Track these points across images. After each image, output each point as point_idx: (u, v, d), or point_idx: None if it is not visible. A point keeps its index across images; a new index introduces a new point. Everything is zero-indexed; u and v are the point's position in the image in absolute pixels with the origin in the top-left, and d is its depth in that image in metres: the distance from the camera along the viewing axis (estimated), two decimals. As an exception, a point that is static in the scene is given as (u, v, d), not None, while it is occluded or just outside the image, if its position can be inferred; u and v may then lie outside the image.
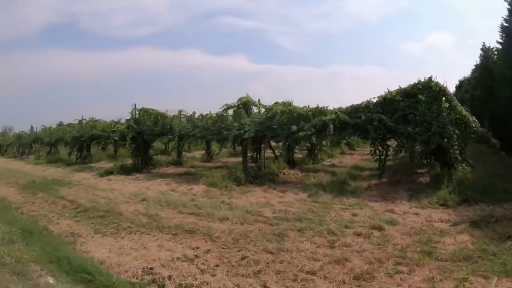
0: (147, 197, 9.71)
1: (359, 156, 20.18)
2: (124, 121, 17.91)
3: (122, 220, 7.49)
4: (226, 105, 13.85)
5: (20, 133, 36.72)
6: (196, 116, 17.21)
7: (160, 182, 12.50)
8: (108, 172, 15.17)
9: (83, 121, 22.50)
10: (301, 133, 10.97)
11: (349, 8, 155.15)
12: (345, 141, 20.33)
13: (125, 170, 15.50)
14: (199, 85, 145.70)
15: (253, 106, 14.36)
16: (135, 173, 15.14)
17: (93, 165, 19.57)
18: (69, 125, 26.71)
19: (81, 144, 21.39)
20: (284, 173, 12.94)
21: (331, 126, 10.61)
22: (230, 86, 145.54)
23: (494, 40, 14.21)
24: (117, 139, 17.48)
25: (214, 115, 14.08)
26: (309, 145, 16.42)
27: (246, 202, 8.83)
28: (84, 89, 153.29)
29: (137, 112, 16.77)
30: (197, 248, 5.58)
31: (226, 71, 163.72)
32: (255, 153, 14.51)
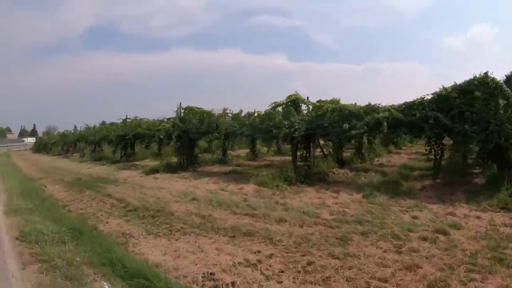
0: (197, 196, 9.33)
1: (406, 155, 19.65)
2: (166, 120, 17.71)
3: (174, 221, 7.15)
4: (274, 103, 13.01)
5: (65, 132, 37.51)
6: (242, 114, 16.73)
7: (208, 180, 12.13)
8: (154, 170, 14.95)
9: (127, 120, 22.34)
10: (353, 132, 10.60)
11: (385, 2, 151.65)
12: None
13: (170, 169, 15.25)
14: (239, 84, 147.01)
15: (302, 104, 13.42)
16: (181, 172, 14.89)
17: (137, 163, 19.43)
18: (112, 124, 26.82)
19: (125, 142, 21.38)
20: (333, 173, 12.35)
21: (385, 124, 10.15)
22: (270, 85, 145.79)
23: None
24: (162, 137, 17.16)
25: (262, 113, 13.47)
26: (357, 143, 15.83)
27: (301, 202, 8.40)
28: (125, 89, 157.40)
29: (182, 111, 16.48)
30: (259, 252, 5.23)
31: (266, 70, 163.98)
32: (305, 152, 14.06)
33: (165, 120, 18.26)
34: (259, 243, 5.63)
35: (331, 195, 9.19)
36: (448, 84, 9.88)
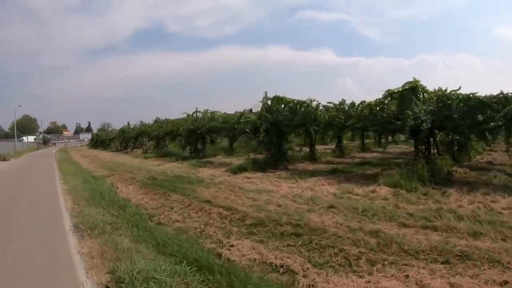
0: (323, 202, 7.41)
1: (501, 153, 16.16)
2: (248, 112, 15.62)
3: (337, 242, 4.97)
4: (388, 91, 11.18)
5: (124, 127, 36.21)
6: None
7: (316, 181, 10.13)
8: (241, 169, 12.80)
9: (197, 113, 20.37)
10: (492, 124, 9.17)
11: None
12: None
13: (258, 166, 13.12)
14: (288, 80, 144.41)
15: (423, 93, 11.20)
16: (271, 170, 12.92)
17: (211, 160, 17.49)
18: (171, 121, 25.21)
19: (196, 137, 19.42)
20: (455, 171, 10.41)
21: None
22: (318, 80, 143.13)
23: None
24: (248, 130, 14.82)
25: (373, 103, 11.83)
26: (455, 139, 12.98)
27: (467, 209, 6.63)
28: (174, 88, 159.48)
29: (269, 101, 14.22)
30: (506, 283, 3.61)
31: (314, 65, 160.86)
32: (423, 147, 11.45)
33: (246, 112, 16.03)
34: (491, 269, 3.96)
35: (494, 199, 7.34)
36: None
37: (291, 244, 4.97)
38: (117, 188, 10.47)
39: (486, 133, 10.03)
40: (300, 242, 5.00)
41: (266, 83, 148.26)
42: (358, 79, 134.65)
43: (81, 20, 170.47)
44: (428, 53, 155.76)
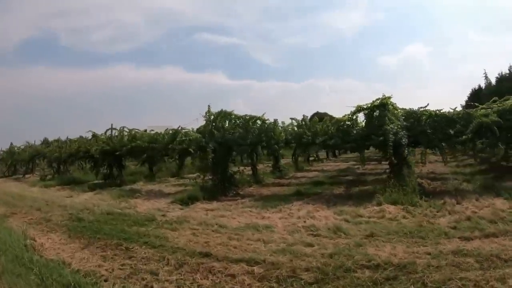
0: (347, 230, 6.55)
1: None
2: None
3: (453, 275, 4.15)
4: (358, 106, 11.11)
5: (12, 147, 31.21)
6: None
7: (300, 206, 9.14)
8: (192, 198, 10.59)
9: (111, 131, 17.55)
10: (463, 137, 10.35)
11: (326, 22, 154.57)
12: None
13: (207, 194, 11.19)
14: (181, 102, 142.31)
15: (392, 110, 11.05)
16: (223, 197, 11.28)
17: (134, 187, 14.95)
18: (75, 140, 21.80)
19: (113, 160, 16.72)
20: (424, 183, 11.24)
21: (495, 128, 10.12)
22: (212, 102, 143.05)
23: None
24: (192, 151, 12.60)
25: (342, 119, 11.48)
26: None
27: (492, 212, 6.87)
28: (65, 106, 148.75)
29: (211, 116, 12.32)
30: None
31: (207, 88, 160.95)
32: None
33: (182, 129, 13.86)
34: None
35: (490, 202, 7.99)
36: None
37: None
38: (34, 240, 6.97)
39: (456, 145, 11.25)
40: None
41: (162, 104, 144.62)
42: (250, 101, 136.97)
43: None
44: (317, 78, 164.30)
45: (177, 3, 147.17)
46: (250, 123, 12.39)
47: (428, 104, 11.13)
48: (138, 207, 10.32)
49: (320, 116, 14.43)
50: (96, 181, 17.27)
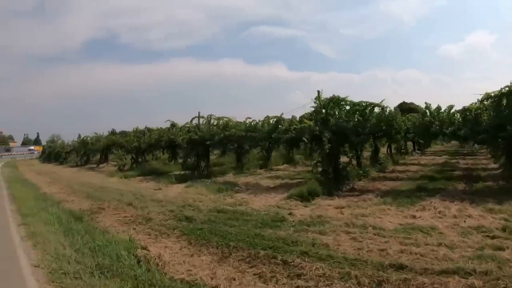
0: None
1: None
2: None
3: None
4: (486, 94, 10.00)
5: (85, 138, 31.57)
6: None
7: (442, 204, 8.06)
8: (311, 194, 9.32)
9: (199, 118, 16.73)
10: None
11: (384, 11, 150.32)
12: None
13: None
14: (240, 94, 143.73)
15: None
16: (339, 192, 10.12)
17: (228, 179, 14.01)
18: (156, 130, 21.30)
19: (202, 150, 15.98)
20: None
21: None
22: (269, 94, 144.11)
23: None
24: (306, 140, 11.49)
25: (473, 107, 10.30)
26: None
27: None
28: (123, 101, 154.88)
29: (320, 102, 11.13)
30: None
31: (266, 80, 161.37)
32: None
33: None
34: None
35: None
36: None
37: None
38: (147, 250, 5.64)
39: None
40: None
41: (220, 97, 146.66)
42: (309, 93, 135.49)
43: (32, 27, 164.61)
44: (378, 69, 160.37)
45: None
46: (367, 111, 11.20)
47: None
48: (251, 203, 9.20)
49: (406, 107, 13.08)
50: (180, 172, 16.59)
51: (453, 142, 25.09)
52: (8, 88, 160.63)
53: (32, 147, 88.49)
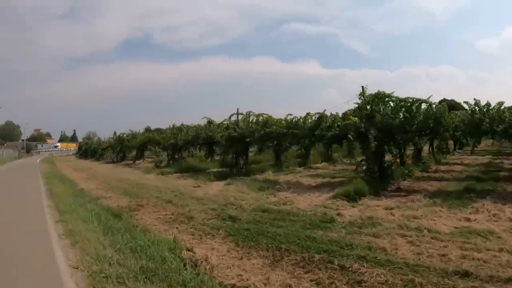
0: None
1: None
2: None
3: None
4: None
5: (121, 135, 32.12)
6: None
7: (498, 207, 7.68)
8: (358, 193, 9.13)
9: (238, 115, 16.80)
10: None
11: (416, 6, 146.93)
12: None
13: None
14: (274, 90, 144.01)
15: None
16: (384, 192, 9.79)
17: (268, 177, 13.82)
18: (194, 126, 21.39)
19: (242, 147, 15.97)
20: None
21: None
22: (303, 91, 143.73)
23: None
24: (351, 137, 11.10)
25: None
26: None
27: None
28: (155, 99, 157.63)
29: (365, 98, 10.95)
30: None
31: (298, 77, 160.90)
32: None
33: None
34: None
35: None
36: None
37: None
38: (193, 252, 5.41)
39: None
40: None
41: (251, 94, 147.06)
42: (343, 91, 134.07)
43: (68, 28, 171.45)
44: (412, 65, 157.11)
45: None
46: (414, 107, 10.85)
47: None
48: (296, 203, 8.98)
49: (448, 104, 12.58)
50: (218, 170, 16.52)
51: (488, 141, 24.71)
52: (48, 87, 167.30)
53: (57, 144, 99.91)
